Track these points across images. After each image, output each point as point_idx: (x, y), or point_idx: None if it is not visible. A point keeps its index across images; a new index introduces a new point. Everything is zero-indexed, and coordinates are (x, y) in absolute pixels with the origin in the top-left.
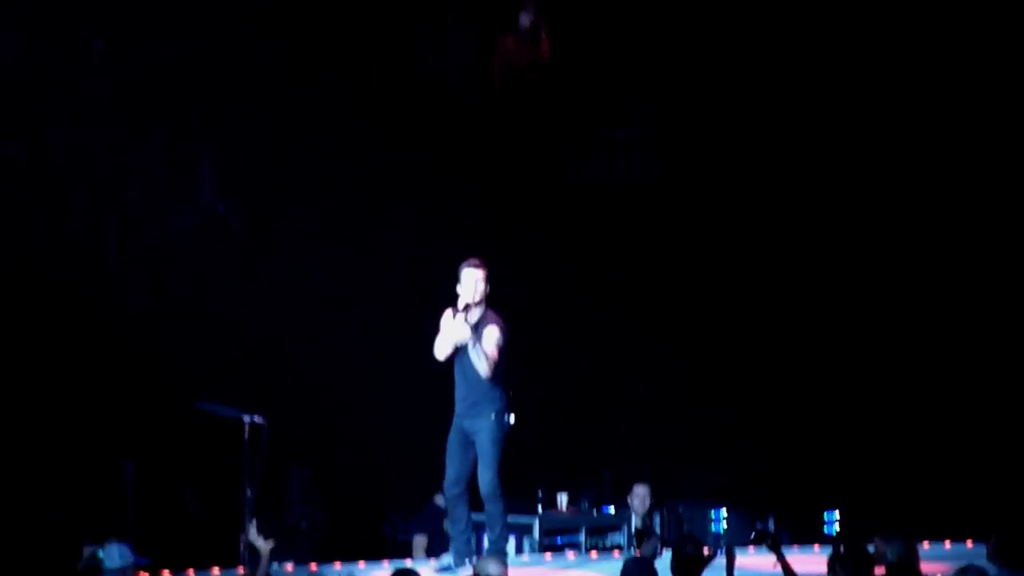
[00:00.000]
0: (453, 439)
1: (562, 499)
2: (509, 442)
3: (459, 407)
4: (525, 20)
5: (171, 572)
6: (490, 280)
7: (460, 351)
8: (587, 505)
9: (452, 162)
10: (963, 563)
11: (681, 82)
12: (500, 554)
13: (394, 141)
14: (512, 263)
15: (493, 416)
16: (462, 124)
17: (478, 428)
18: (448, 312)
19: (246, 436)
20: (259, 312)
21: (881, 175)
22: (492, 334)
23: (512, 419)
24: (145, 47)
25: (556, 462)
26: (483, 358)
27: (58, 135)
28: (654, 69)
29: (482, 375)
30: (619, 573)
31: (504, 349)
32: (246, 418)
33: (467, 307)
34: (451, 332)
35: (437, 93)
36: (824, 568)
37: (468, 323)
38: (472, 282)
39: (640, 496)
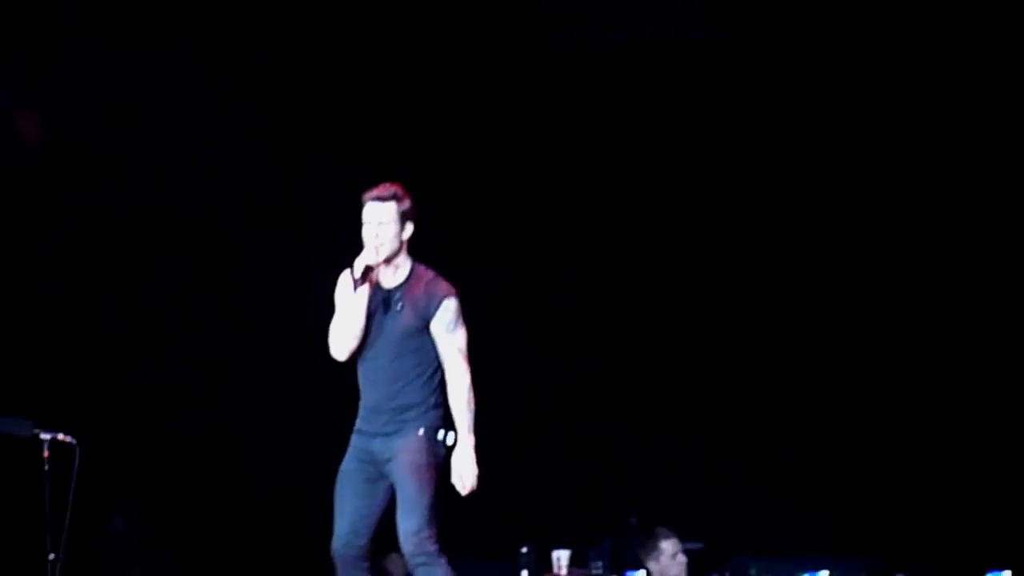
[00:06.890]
0: (351, 472)
1: (561, 559)
2: (446, 473)
3: (367, 421)
4: None
5: None
6: (414, 218)
7: (373, 337)
8: (602, 568)
9: None
10: None
11: None
12: None
13: None
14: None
15: (422, 432)
16: None
17: (397, 450)
18: (346, 276)
19: (46, 463)
20: None
21: None
22: (450, 311)
23: (451, 438)
24: None
25: (554, 504)
26: (454, 354)
27: None
28: None
29: (457, 379)
30: None
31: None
32: (44, 436)
33: (367, 269)
34: (353, 305)
35: None
36: None
37: (384, 287)
38: (384, 221)
39: (668, 553)
